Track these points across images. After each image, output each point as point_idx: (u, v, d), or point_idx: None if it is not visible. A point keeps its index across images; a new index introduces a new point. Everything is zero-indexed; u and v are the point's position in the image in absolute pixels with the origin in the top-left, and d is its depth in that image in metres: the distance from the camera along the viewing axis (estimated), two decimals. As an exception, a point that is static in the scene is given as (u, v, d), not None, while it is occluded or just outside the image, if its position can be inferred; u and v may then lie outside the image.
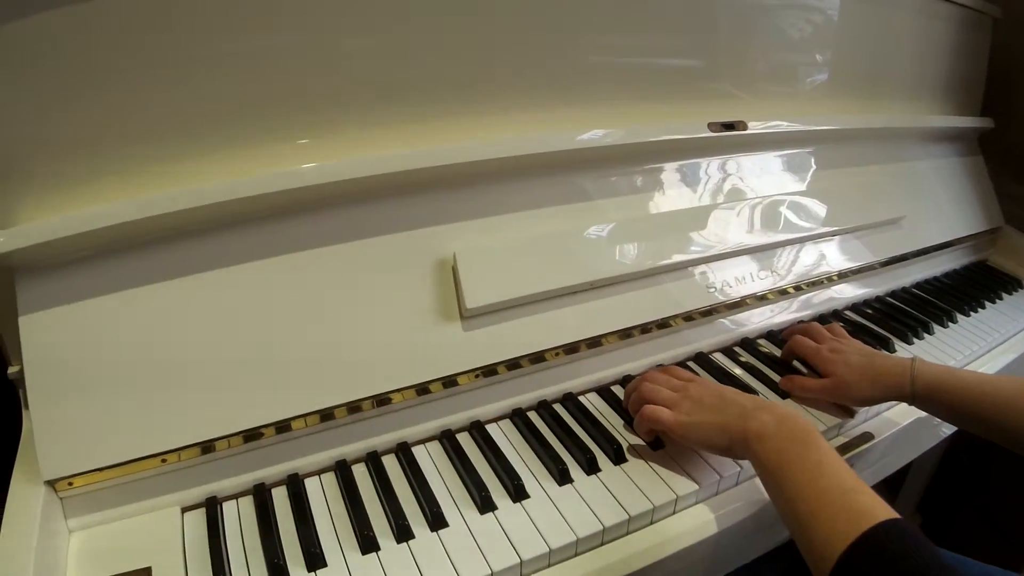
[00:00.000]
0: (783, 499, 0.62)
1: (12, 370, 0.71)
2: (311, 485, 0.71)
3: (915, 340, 1.05)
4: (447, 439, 0.77)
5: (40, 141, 0.64)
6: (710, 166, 1.00)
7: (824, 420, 0.84)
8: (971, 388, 0.76)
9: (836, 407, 0.86)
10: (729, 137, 0.97)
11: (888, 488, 1.68)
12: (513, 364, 0.80)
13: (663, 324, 0.91)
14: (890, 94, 1.26)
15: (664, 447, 0.76)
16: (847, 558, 0.53)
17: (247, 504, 0.68)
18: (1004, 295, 1.26)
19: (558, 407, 0.84)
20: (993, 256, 1.42)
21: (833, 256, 1.09)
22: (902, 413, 0.89)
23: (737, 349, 0.98)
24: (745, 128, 0.98)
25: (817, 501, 0.58)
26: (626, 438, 0.78)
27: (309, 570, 0.61)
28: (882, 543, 0.53)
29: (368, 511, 0.67)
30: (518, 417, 0.81)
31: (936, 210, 1.28)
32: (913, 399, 0.80)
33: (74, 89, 0.63)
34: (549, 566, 0.64)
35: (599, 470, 0.73)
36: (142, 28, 0.64)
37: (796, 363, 0.94)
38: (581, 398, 0.86)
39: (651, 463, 0.74)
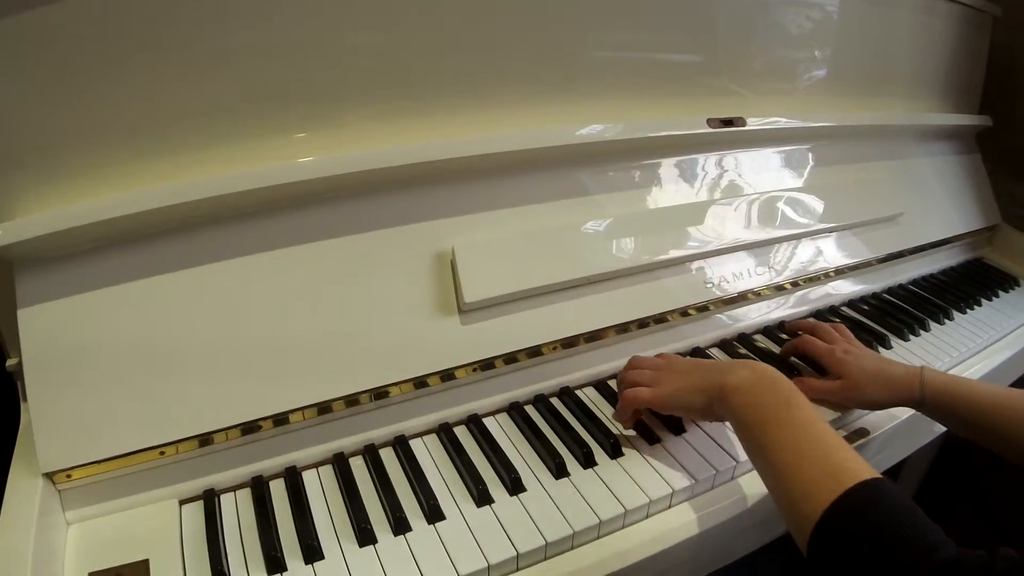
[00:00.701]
0: (762, 456, 0.61)
1: (11, 363, 0.71)
2: (309, 478, 0.71)
3: (911, 337, 1.05)
4: (444, 432, 0.77)
5: (39, 134, 0.64)
6: (709, 162, 1.00)
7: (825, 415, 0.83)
8: (981, 398, 0.76)
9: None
10: (728, 133, 0.97)
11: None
12: (511, 358, 0.81)
13: (660, 319, 0.91)
14: (889, 91, 1.26)
15: (660, 441, 0.76)
16: (828, 517, 0.53)
17: (245, 497, 0.69)
18: (1001, 292, 1.26)
19: (555, 401, 0.84)
20: (990, 254, 1.43)
21: (830, 252, 1.09)
22: (899, 409, 0.89)
23: (735, 343, 0.98)
24: (744, 124, 0.98)
25: (797, 458, 0.58)
26: (623, 432, 0.78)
27: (306, 562, 0.61)
28: (864, 502, 0.52)
29: (365, 504, 0.67)
30: (515, 411, 0.81)
31: (934, 207, 1.28)
32: (922, 405, 0.80)
33: (73, 82, 0.63)
34: (545, 559, 0.64)
35: (596, 464, 0.73)
36: (142, 21, 0.64)
37: (794, 360, 0.94)
38: (578, 392, 0.86)
39: (648, 457, 0.74)
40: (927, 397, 0.79)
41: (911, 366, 0.82)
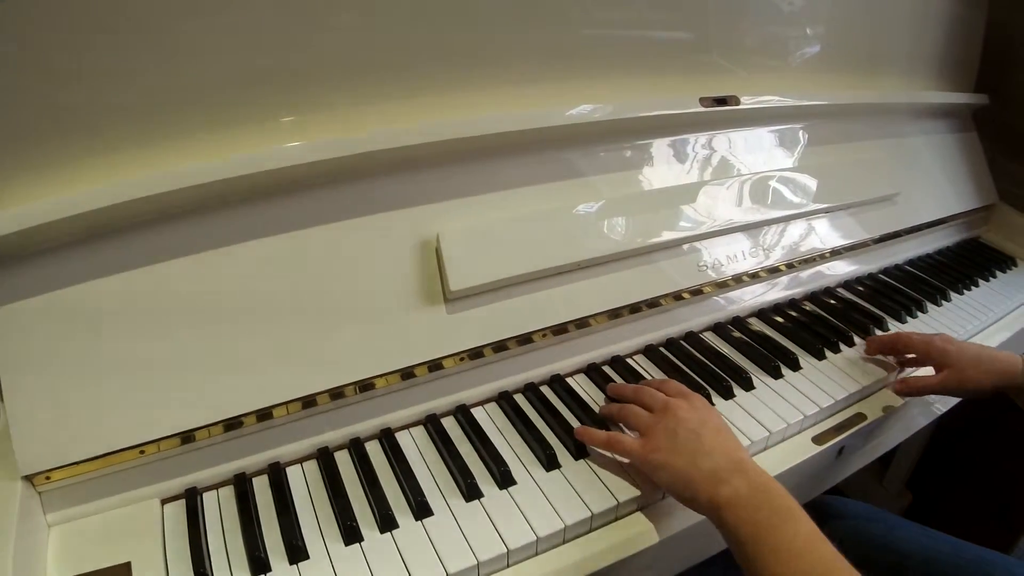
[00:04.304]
0: (754, 572, 0.57)
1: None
2: (293, 474, 0.69)
3: (908, 318, 1.04)
4: (432, 424, 0.76)
5: (7, 125, 0.61)
6: (701, 142, 0.98)
7: (821, 400, 0.83)
8: None
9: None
10: (721, 112, 0.95)
11: (877, 465, 1.68)
12: (500, 346, 0.79)
13: (653, 303, 0.90)
14: (884, 69, 1.24)
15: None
16: None
17: (228, 494, 0.67)
18: (998, 273, 1.25)
19: (545, 389, 0.82)
20: (986, 233, 1.41)
21: (826, 233, 1.08)
22: (896, 398, 0.88)
23: (729, 327, 0.97)
24: (738, 103, 0.96)
25: None
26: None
27: (291, 562, 0.60)
28: None
29: (351, 500, 0.65)
30: (505, 400, 0.80)
31: (930, 186, 1.27)
32: (1021, 390, 0.80)
33: (43, 70, 0.60)
34: (537, 554, 0.63)
35: (587, 455, 0.72)
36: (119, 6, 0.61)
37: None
38: (569, 380, 0.85)
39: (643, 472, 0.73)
40: None
41: (1009, 353, 0.83)
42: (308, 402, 0.70)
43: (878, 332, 0.99)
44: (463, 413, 0.77)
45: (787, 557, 0.55)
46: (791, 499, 0.59)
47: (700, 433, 0.65)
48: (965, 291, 1.16)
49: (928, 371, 0.88)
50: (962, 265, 1.25)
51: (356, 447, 0.72)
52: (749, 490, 0.60)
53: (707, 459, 0.63)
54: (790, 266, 1.04)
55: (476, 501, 0.66)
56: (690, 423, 0.66)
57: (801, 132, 1.10)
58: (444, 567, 0.59)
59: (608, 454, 0.72)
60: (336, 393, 0.71)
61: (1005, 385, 0.82)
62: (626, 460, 0.70)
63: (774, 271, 1.02)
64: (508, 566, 0.62)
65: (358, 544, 0.62)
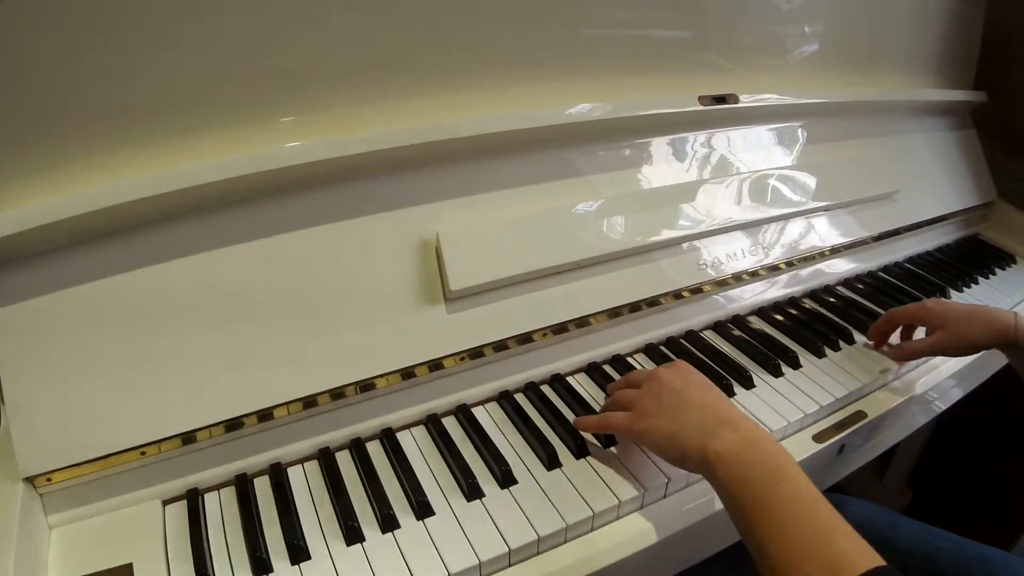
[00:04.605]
0: (750, 535, 0.56)
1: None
2: (294, 474, 0.69)
3: (908, 316, 1.04)
4: (432, 424, 0.76)
5: (4, 126, 0.61)
6: (701, 140, 0.98)
7: (821, 398, 0.83)
8: None
9: None
10: (720, 110, 0.95)
11: (877, 463, 1.68)
12: (500, 346, 0.79)
13: (653, 302, 0.90)
14: (883, 67, 1.24)
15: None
16: None
17: (229, 495, 0.67)
18: (997, 270, 1.25)
19: (546, 389, 0.82)
20: (985, 230, 1.41)
21: (825, 231, 1.08)
22: (896, 391, 0.88)
23: (729, 325, 0.97)
24: (737, 101, 0.96)
25: (790, 545, 0.52)
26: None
27: (292, 563, 0.59)
28: None
29: (352, 500, 0.65)
30: (505, 400, 0.80)
31: (929, 184, 1.27)
32: (1015, 345, 0.82)
33: (41, 69, 0.60)
34: (538, 553, 0.63)
35: (588, 454, 0.72)
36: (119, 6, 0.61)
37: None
38: (570, 379, 0.85)
39: (640, 447, 0.73)
40: (1021, 338, 0.80)
41: (1004, 309, 0.85)
42: (309, 402, 0.70)
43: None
44: (464, 413, 0.77)
45: (780, 516, 0.54)
46: (785, 454, 0.59)
47: (684, 393, 0.65)
48: (965, 288, 1.16)
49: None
50: (961, 262, 1.25)
51: (357, 447, 0.72)
52: (740, 444, 0.59)
53: (693, 414, 0.63)
54: (790, 264, 1.04)
55: (477, 501, 0.66)
56: (674, 384, 0.66)
57: (800, 130, 1.10)
58: (446, 567, 0.59)
59: (612, 450, 0.72)
60: (337, 393, 0.71)
61: (998, 342, 0.83)
62: (626, 440, 0.72)
63: (774, 269, 1.02)
64: (510, 565, 0.62)
65: (360, 544, 0.61)
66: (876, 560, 0.50)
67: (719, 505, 0.69)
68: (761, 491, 0.55)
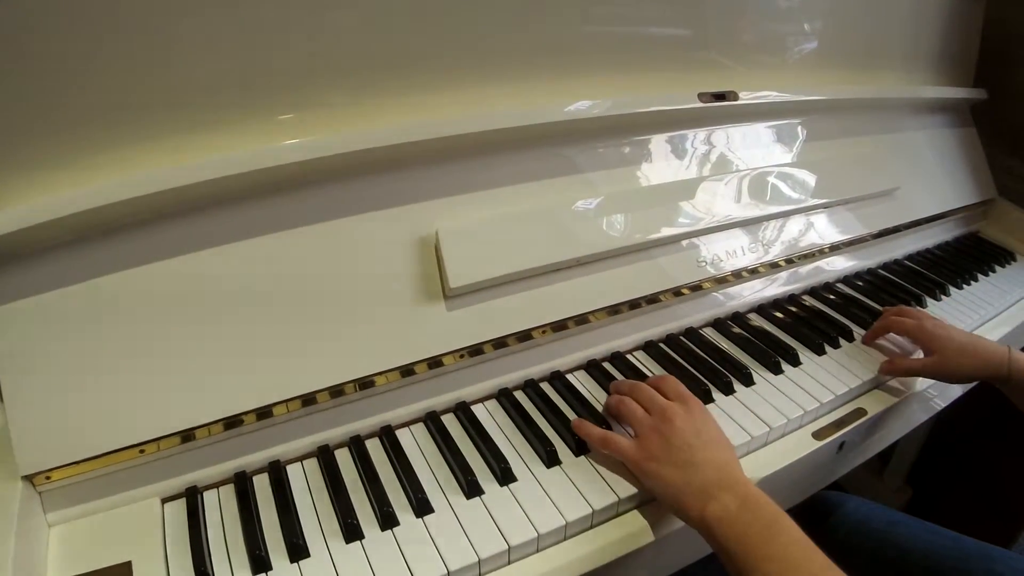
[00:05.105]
0: None
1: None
2: (293, 472, 0.69)
3: (907, 313, 1.04)
4: (432, 421, 0.76)
5: (3, 125, 0.61)
6: (700, 138, 0.98)
7: (821, 396, 0.83)
8: None
9: None
10: (720, 108, 0.95)
11: (876, 460, 1.68)
12: (499, 343, 0.79)
13: (652, 299, 0.90)
14: (882, 64, 1.24)
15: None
16: None
17: (228, 493, 0.67)
18: (997, 267, 1.25)
19: (545, 386, 0.82)
20: (985, 228, 1.41)
21: (825, 228, 1.08)
22: (896, 388, 0.88)
23: (728, 322, 0.97)
24: (736, 98, 0.96)
25: None
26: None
27: (292, 561, 0.59)
28: None
29: (352, 498, 0.65)
30: (505, 397, 0.80)
31: (929, 181, 1.26)
32: (1008, 381, 0.81)
33: (46, 70, 0.60)
34: (538, 551, 0.63)
35: (587, 451, 0.72)
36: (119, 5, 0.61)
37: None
38: (569, 376, 0.84)
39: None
40: (1014, 374, 0.80)
41: (997, 344, 0.85)
42: (308, 400, 0.70)
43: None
44: (463, 410, 0.77)
45: (781, 568, 0.55)
46: (777, 508, 0.60)
47: (694, 445, 0.65)
48: (964, 286, 1.16)
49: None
50: (961, 260, 1.25)
51: (356, 445, 0.72)
52: (738, 507, 0.60)
53: (698, 473, 0.63)
54: (789, 262, 1.03)
55: (477, 498, 0.66)
56: (685, 434, 0.66)
57: (799, 128, 1.10)
58: (445, 564, 0.59)
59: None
60: (336, 391, 0.71)
61: (991, 375, 0.83)
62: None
63: (773, 267, 1.02)
64: (509, 563, 0.62)
65: (359, 542, 0.61)
66: None
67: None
68: (758, 548, 0.57)
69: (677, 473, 0.64)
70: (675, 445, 0.66)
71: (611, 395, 0.77)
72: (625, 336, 0.90)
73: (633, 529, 0.66)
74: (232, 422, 0.67)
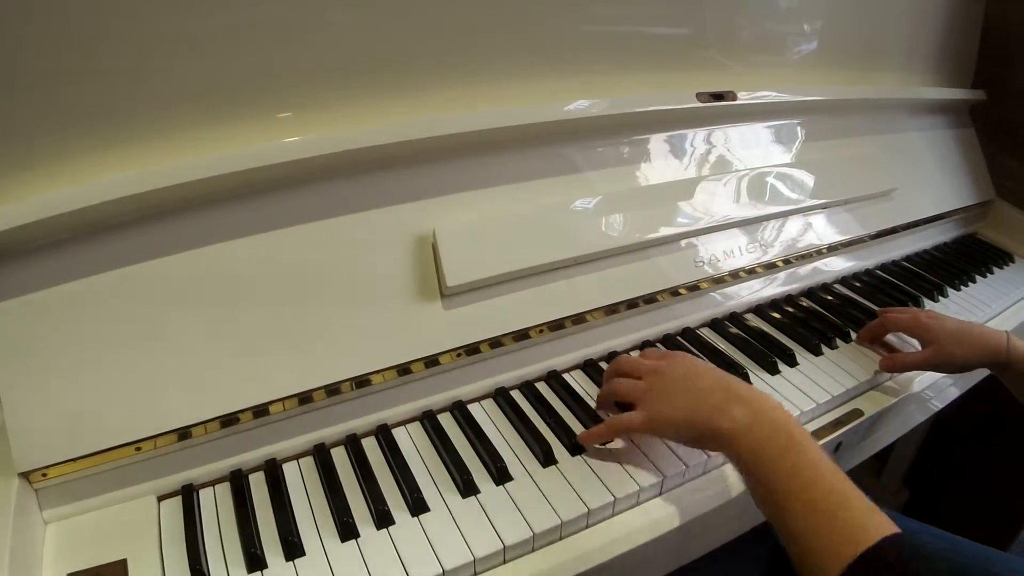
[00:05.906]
0: (767, 505, 0.58)
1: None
2: (289, 470, 0.69)
3: (905, 314, 1.04)
4: (428, 420, 0.75)
5: (2, 124, 0.61)
6: (698, 137, 0.98)
7: (818, 396, 0.83)
8: None
9: None
10: (718, 107, 0.95)
11: (874, 462, 1.68)
12: (496, 342, 0.79)
13: (650, 299, 0.90)
14: (881, 65, 1.24)
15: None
16: None
17: (224, 491, 0.67)
18: (995, 269, 1.25)
19: (542, 385, 0.82)
20: (984, 229, 1.41)
21: (822, 229, 1.08)
22: (893, 389, 0.88)
23: (726, 323, 0.97)
24: (735, 99, 0.96)
25: (806, 514, 0.54)
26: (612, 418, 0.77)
27: (287, 559, 0.59)
28: (881, 566, 0.49)
29: (347, 496, 0.65)
30: (501, 396, 0.80)
31: (927, 182, 1.26)
32: (1007, 368, 0.81)
33: (45, 69, 0.60)
34: (533, 550, 0.63)
35: (584, 450, 0.72)
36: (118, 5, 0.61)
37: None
38: (566, 375, 0.84)
39: (636, 443, 0.73)
40: (1013, 360, 0.80)
41: (994, 329, 0.84)
42: (304, 398, 0.69)
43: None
44: (459, 409, 0.77)
45: (795, 485, 0.55)
46: (790, 419, 0.60)
47: (691, 381, 0.67)
48: (962, 287, 1.16)
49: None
50: (959, 261, 1.25)
51: (352, 444, 0.72)
52: (749, 417, 0.60)
53: (702, 397, 0.64)
54: (787, 262, 1.03)
55: (473, 497, 0.66)
56: (680, 373, 0.68)
57: (798, 128, 1.10)
58: (440, 563, 0.59)
59: (609, 447, 0.72)
60: (332, 389, 0.71)
61: (989, 362, 0.83)
62: (632, 436, 0.72)
63: (771, 267, 1.02)
64: (504, 562, 0.62)
65: (354, 540, 0.61)
66: (891, 527, 0.51)
67: (716, 502, 0.70)
68: (774, 459, 0.57)
69: (684, 410, 0.65)
70: (675, 390, 0.67)
71: (601, 389, 0.77)
72: (622, 336, 0.90)
73: (629, 528, 0.66)
74: (228, 420, 0.66)
